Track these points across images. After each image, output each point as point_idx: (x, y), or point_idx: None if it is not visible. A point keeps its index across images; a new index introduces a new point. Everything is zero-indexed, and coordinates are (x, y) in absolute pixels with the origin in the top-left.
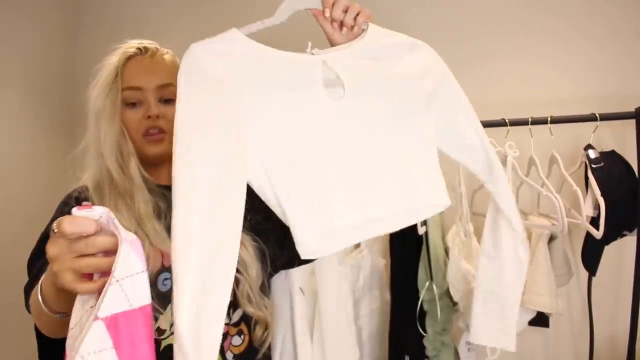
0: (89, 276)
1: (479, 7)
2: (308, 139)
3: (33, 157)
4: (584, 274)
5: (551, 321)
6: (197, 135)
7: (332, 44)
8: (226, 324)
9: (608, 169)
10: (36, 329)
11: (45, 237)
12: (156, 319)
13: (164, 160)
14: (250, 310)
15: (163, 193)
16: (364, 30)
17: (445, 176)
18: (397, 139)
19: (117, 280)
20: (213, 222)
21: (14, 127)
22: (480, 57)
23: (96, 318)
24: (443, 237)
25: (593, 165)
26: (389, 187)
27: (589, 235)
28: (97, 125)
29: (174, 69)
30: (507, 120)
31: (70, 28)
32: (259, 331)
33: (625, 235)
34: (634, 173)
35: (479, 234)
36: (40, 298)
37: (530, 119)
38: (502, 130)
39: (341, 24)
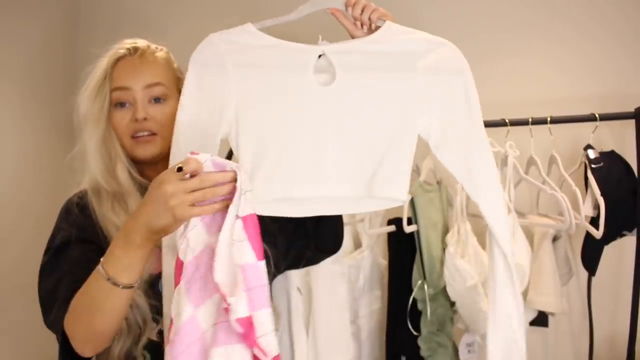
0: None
1: (478, 6)
2: (285, 112)
3: (34, 156)
4: (584, 274)
5: (551, 321)
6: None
7: None
8: None
9: (608, 169)
10: (64, 350)
11: (55, 251)
12: (157, 322)
13: (159, 160)
14: None
15: None
16: (379, 27)
17: (443, 175)
18: (377, 128)
19: (244, 193)
20: None
21: (16, 126)
22: (480, 57)
23: (237, 217)
24: (443, 237)
25: (593, 165)
26: (353, 171)
27: (588, 235)
28: (84, 128)
29: (165, 66)
30: (507, 120)
31: (70, 28)
32: None
33: (625, 235)
34: (634, 173)
35: (477, 234)
36: (107, 280)
37: (530, 119)
38: (502, 130)
39: (361, 23)
